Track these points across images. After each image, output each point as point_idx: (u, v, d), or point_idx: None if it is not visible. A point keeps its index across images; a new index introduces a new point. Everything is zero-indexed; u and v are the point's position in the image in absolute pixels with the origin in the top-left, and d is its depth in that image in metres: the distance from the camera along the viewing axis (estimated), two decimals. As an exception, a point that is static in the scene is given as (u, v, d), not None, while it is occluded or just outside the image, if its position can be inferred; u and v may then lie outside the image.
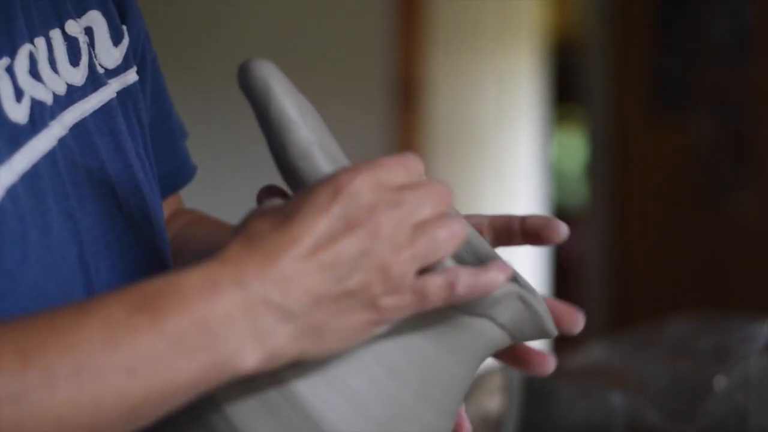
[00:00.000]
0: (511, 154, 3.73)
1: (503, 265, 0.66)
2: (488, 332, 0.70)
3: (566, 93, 4.32)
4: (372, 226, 0.61)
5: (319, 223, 0.61)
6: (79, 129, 0.75)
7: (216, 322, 0.60)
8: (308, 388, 0.65)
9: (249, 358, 0.61)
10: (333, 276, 0.61)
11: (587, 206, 4.05)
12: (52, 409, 0.59)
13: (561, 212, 4.53)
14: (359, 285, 0.62)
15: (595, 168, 3.95)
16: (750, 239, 3.58)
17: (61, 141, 0.73)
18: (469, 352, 0.70)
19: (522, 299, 0.70)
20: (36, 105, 0.72)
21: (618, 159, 3.85)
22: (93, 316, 0.60)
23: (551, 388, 1.38)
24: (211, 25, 2.90)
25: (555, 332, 0.74)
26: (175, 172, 0.95)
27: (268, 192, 0.69)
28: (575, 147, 4.73)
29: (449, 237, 0.63)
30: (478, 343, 0.70)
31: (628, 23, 3.79)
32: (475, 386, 1.58)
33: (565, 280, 4.25)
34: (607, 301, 3.89)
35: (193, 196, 1.07)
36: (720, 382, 1.31)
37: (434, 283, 0.63)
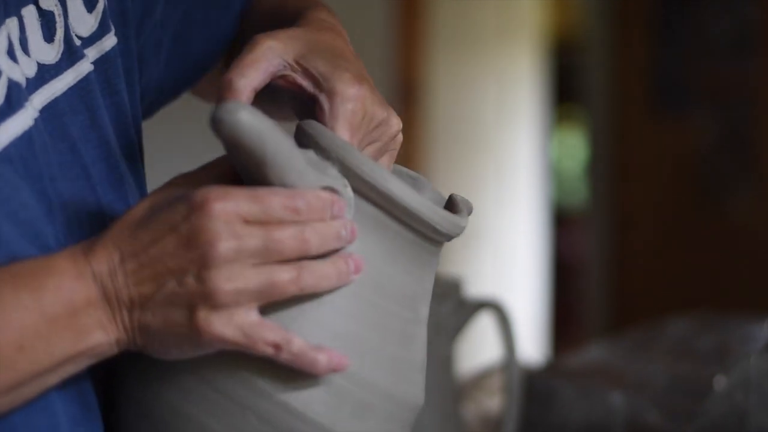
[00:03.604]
0: (511, 154, 3.73)
1: (334, 355, 0.70)
2: (437, 246, 0.76)
3: (566, 93, 4.31)
4: (206, 253, 0.66)
5: (165, 239, 0.67)
6: (49, 111, 0.75)
7: (79, 304, 0.68)
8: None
9: (102, 339, 0.69)
10: (163, 285, 0.67)
11: (587, 206, 4.05)
12: None
13: (561, 212, 4.52)
14: (182, 299, 0.67)
15: (595, 168, 3.95)
16: (750, 239, 3.58)
17: (36, 121, 0.73)
18: (428, 266, 0.76)
19: (463, 206, 0.77)
20: (13, 86, 0.71)
21: (618, 159, 3.85)
22: None
23: (551, 388, 1.38)
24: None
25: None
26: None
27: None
28: (575, 147, 4.73)
29: (289, 282, 0.68)
30: (433, 256, 0.76)
31: (628, 23, 3.79)
32: (475, 386, 1.58)
33: (565, 280, 4.25)
34: (607, 301, 3.89)
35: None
36: (720, 382, 1.31)
37: (264, 338, 0.68)
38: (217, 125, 0.67)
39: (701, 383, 1.32)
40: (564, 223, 4.48)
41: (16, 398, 0.68)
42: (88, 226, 0.75)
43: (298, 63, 0.77)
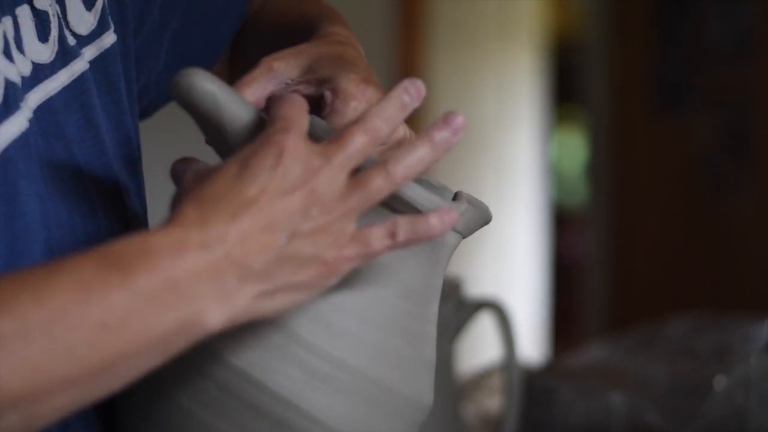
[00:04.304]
0: (511, 154, 3.73)
1: (444, 212, 0.68)
2: (449, 240, 0.75)
3: (566, 93, 4.31)
4: (309, 189, 0.64)
5: (272, 184, 0.63)
6: (43, 110, 0.74)
7: (184, 282, 0.62)
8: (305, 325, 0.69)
9: (215, 317, 0.63)
10: (285, 234, 0.64)
11: (587, 206, 4.05)
12: (27, 357, 0.60)
13: (561, 212, 4.52)
14: (306, 242, 0.64)
15: (595, 168, 3.95)
16: (750, 239, 3.58)
17: (31, 122, 0.72)
18: (439, 262, 0.75)
19: (473, 204, 0.76)
20: (10, 86, 0.71)
21: (618, 159, 3.85)
22: (65, 272, 0.61)
23: (551, 388, 1.39)
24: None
25: (491, 217, 0.79)
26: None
27: (184, 162, 0.71)
28: (575, 147, 4.72)
29: (383, 186, 0.66)
30: (444, 251, 0.75)
31: (628, 23, 3.79)
32: (475, 386, 1.58)
33: (565, 280, 4.25)
34: (607, 301, 3.89)
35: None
36: (720, 382, 1.31)
37: (376, 235, 0.66)
38: (173, 89, 0.67)
39: (701, 383, 1.32)
40: (564, 223, 4.48)
41: (109, 381, 0.63)
42: (81, 227, 0.75)
43: (303, 76, 0.77)
